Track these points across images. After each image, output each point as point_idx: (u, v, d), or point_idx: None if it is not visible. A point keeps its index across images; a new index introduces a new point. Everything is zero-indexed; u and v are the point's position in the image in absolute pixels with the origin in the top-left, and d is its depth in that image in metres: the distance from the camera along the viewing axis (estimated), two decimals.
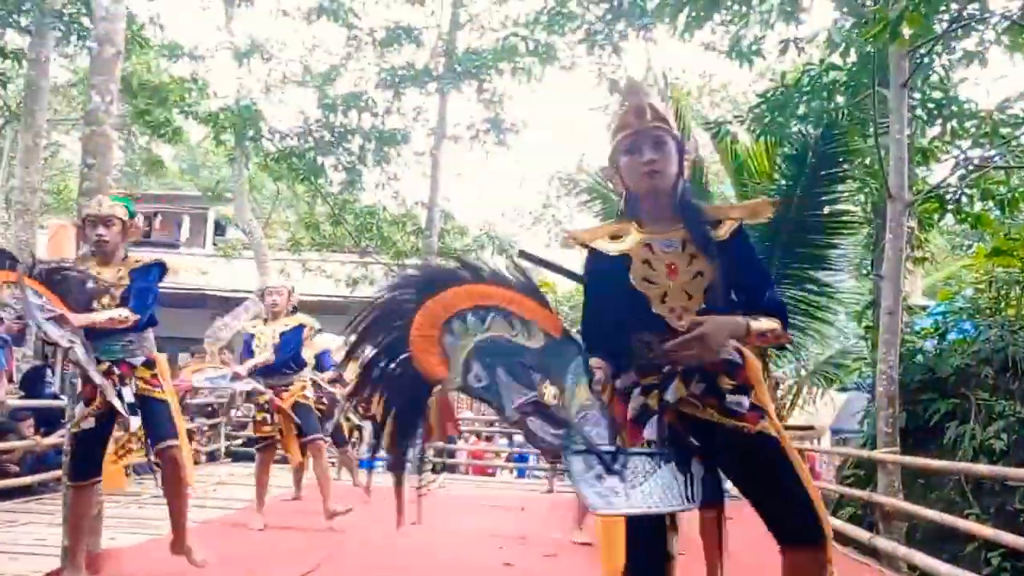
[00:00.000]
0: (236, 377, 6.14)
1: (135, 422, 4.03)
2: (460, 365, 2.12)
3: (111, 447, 4.23)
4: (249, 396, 7.11)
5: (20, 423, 7.29)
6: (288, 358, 6.24)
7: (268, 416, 6.26)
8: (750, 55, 7.46)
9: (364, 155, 12.83)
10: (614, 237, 2.41)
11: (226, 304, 12.17)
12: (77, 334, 3.81)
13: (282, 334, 6.23)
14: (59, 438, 6.29)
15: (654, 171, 2.31)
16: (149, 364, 4.13)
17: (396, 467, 2.24)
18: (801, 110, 7.98)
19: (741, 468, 2.31)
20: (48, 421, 7.32)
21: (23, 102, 9.49)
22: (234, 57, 12.61)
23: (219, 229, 20.45)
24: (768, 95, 8.07)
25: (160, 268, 4.24)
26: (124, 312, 3.93)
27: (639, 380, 2.32)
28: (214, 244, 19.74)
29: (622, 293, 2.32)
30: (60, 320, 3.73)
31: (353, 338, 2.20)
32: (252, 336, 6.33)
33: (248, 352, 6.23)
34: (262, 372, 6.24)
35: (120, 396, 3.95)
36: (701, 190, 8.36)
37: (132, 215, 4.25)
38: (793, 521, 2.22)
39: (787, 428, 8.69)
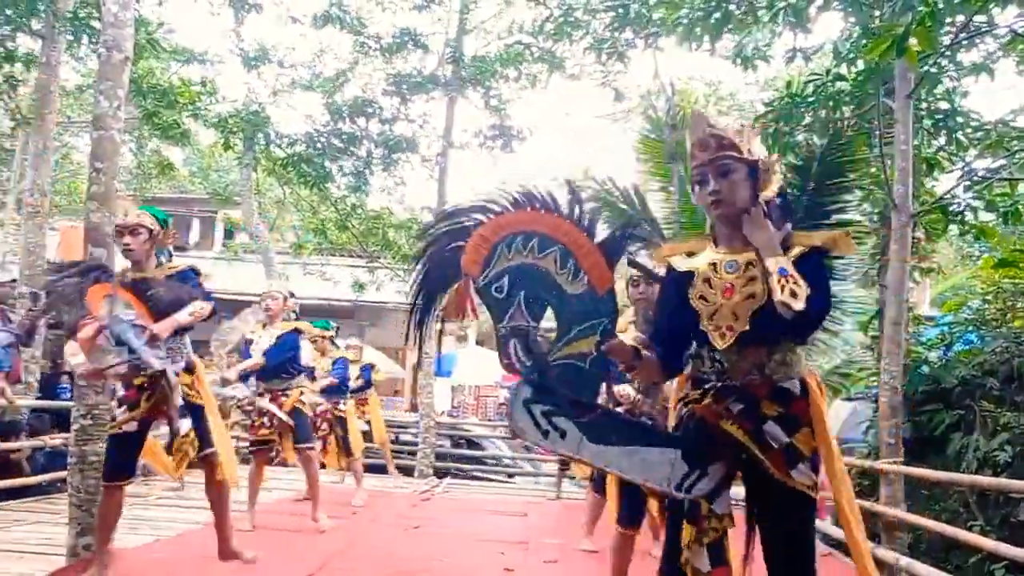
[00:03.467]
0: (224, 382, 6.17)
1: (185, 424, 4.16)
2: (493, 272, 2.36)
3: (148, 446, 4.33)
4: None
5: (37, 426, 7.37)
6: (283, 362, 6.27)
7: (266, 419, 6.29)
8: (754, 59, 7.46)
9: (371, 161, 12.88)
10: (691, 253, 2.55)
11: (233, 307, 12.19)
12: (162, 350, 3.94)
13: (277, 338, 6.27)
14: (65, 439, 6.33)
15: (717, 201, 2.41)
16: (189, 369, 4.22)
17: (418, 324, 2.45)
18: (806, 119, 7.97)
19: (758, 503, 2.41)
20: (65, 423, 7.38)
21: (34, 105, 9.55)
22: (243, 62, 12.67)
23: (227, 232, 20.55)
24: (774, 104, 8.08)
25: (195, 272, 4.32)
26: (200, 304, 4.04)
27: (689, 393, 2.47)
28: (223, 247, 19.83)
29: (680, 308, 2.46)
30: (149, 336, 3.84)
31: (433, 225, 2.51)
32: (251, 342, 6.36)
33: (247, 357, 6.27)
34: (261, 376, 6.28)
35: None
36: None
37: (163, 223, 4.31)
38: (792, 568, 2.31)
39: None
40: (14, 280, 8.60)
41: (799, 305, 2.20)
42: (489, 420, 17.18)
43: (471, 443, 13.51)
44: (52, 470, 7.19)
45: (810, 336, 2.54)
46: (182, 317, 3.97)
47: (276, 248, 15.46)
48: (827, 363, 9.94)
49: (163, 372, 3.97)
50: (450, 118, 12.10)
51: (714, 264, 2.44)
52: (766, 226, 2.36)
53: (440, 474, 11.53)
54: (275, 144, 12.71)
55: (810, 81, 7.90)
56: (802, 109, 7.95)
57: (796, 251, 2.38)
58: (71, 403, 5.31)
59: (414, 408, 12.80)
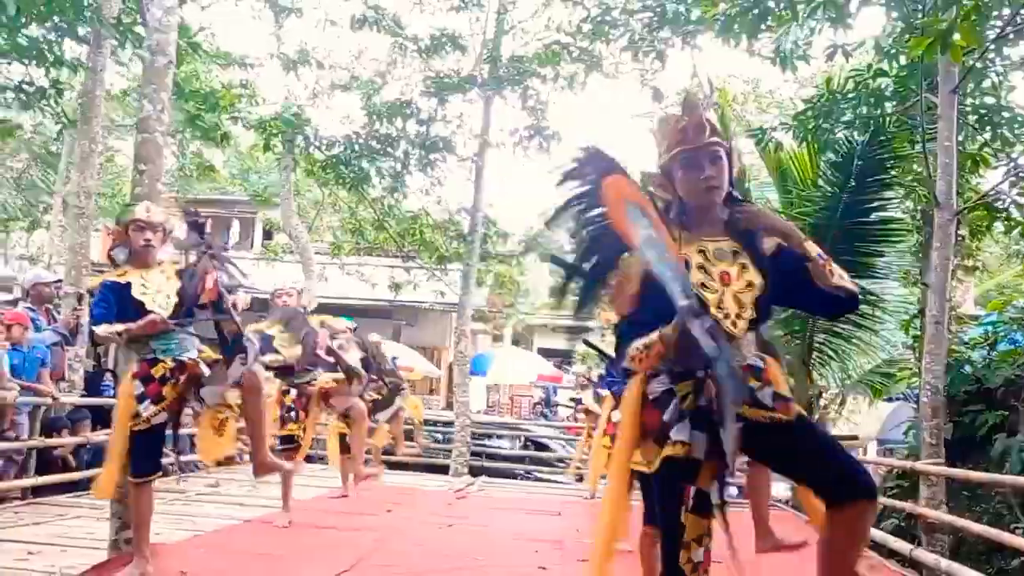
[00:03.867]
0: None
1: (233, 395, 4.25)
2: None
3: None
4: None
5: (80, 422, 7.51)
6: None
7: (294, 414, 6.36)
8: (794, 60, 7.38)
9: (408, 161, 12.95)
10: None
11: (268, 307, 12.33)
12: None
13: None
14: (107, 435, 6.45)
15: (712, 187, 2.42)
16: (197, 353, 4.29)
17: (582, 306, 2.36)
18: (847, 116, 7.89)
19: (785, 450, 2.41)
20: (106, 420, 7.51)
21: (79, 109, 9.73)
22: (282, 65, 12.81)
23: (267, 233, 20.78)
24: (814, 101, 8.01)
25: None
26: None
27: (673, 386, 2.37)
28: (263, 247, 20.06)
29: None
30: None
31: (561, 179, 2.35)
32: (271, 338, 6.41)
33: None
34: (281, 374, 6.34)
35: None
36: (744, 197, 8.30)
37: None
38: (849, 475, 2.29)
39: None
40: (59, 280, 8.75)
41: (852, 285, 2.30)
42: (523, 419, 17.15)
43: (539, 445, 13.57)
44: (95, 466, 7.32)
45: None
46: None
47: (315, 248, 15.60)
48: (868, 363, 9.81)
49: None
50: (487, 118, 12.13)
51: (703, 251, 2.41)
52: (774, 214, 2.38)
53: (475, 472, 11.57)
54: (314, 146, 12.83)
55: (851, 77, 7.82)
56: (843, 106, 7.87)
57: (773, 242, 2.47)
58: (112, 400, 5.41)
59: (450, 406, 12.84)
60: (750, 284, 2.38)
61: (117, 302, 4.02)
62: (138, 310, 4.00)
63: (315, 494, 7.97)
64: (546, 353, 24.03)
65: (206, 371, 4.19)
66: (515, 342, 24.88)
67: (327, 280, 15.73)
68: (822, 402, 10.02)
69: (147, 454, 4.17)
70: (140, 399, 4.08)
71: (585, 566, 4.46)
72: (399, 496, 8.21)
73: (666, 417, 2.34)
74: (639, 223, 2.18)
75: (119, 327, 3.91)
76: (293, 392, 6.37)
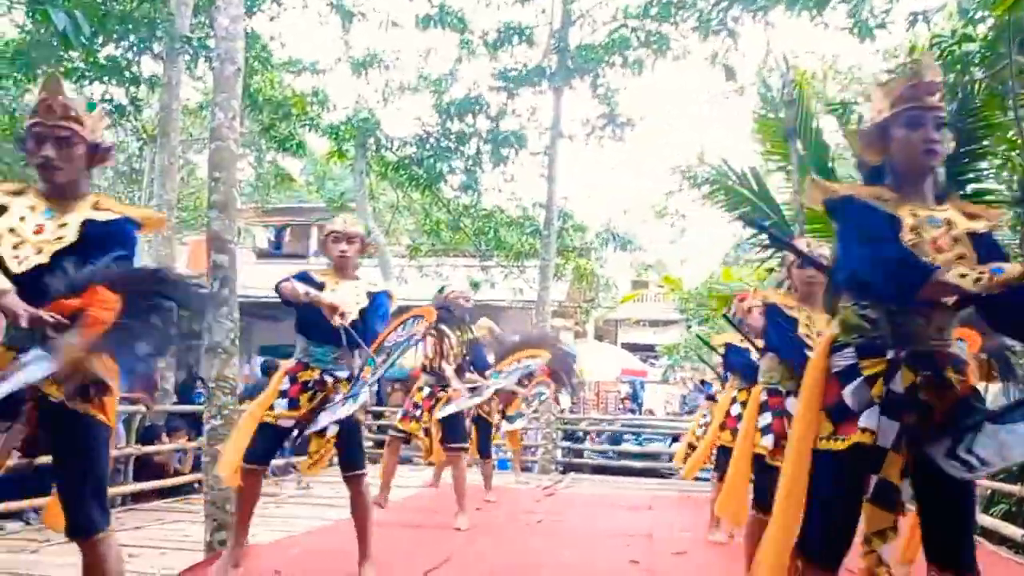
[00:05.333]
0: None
1: (332, 429, 4.12)
2: None
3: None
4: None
5: (176, 430, 7.71)
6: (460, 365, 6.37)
7: (419, 412, 6.35)
8: (872, 28, 7.11)
9: (480, 158, 12.95)
10: (876, 198, 2.34)
11: None
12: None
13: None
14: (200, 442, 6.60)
15: (934, 151, 2.32)
16: (351, 380, 4.20)
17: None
18: None
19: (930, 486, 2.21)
20: (200, 428, 7.70)
21: (158, 125, 10.00)
22: (352, 69, 12.94)
23: None
24: (896, 72, 7.70)
25: (387, 295, 4.35)
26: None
27: (859, 365, 2.25)
28: None
29: None
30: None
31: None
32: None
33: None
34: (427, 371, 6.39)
35: (323, 406, 4.12)
36: (827, 173, 8.04)
37: (367, 234, 4.49)
38: (961, 549, 2.18)
39: None
40: None
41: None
42: (609, 415, 17.00)
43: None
44: (196, 471, 7.51)
45: None
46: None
47: (392, 251, 15.74)
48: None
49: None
50: (557, 109, 12.03)
51: (915, 214, 2.30)
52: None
53: (564, 469, 11.50)
54: (386, 148, 12.93)
55: (934, 44, 7.49)
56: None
57: (985, 223, 2.35)
58: (203, 407, 5.53)
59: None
60: (962, 257, 2.22)
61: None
62: (318, 311, 4.00)
63: (405, 495, 8.00)
64: (630, 347, 23.84)
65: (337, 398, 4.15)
66: (598, 337, 24.70)
67: (406, 282, 15.88)
68: None
69: (263, 445, 4.18)
70: (281, 394, 4.15)
71: (681, 559, 4.36)
72: (487, 494, 8.19)
73: (848, 397, 2.22)
74: None
75: (309, 289, 3.96)
76: (426, 390, 6.38)
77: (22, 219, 2.70)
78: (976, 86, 7.58)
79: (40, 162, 2.72)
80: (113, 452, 6.88)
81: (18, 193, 2.78)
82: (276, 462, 8.28)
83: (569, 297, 19.04)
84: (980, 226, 2.32)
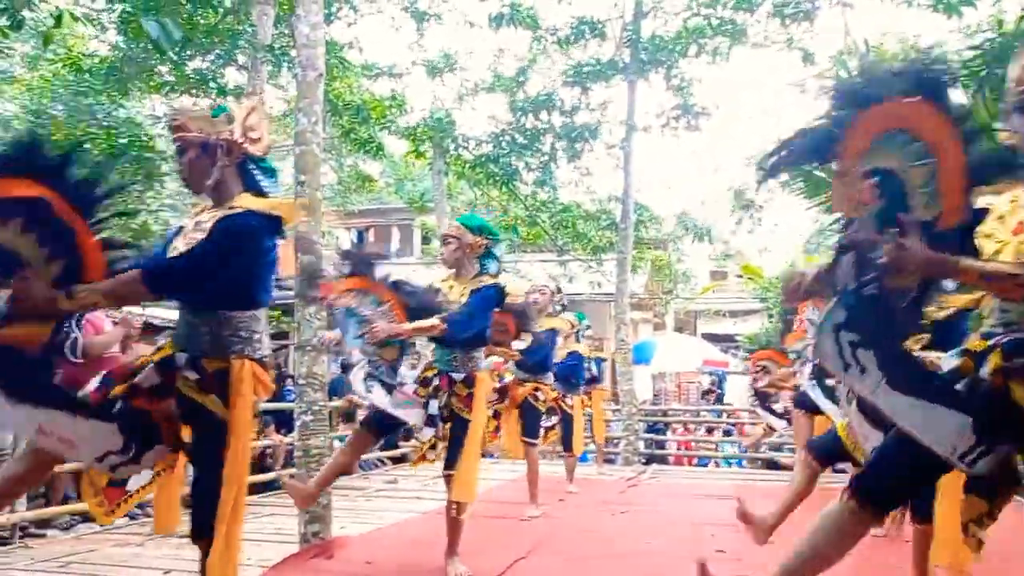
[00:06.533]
0: None
1: (427, 433, 4.26)
2: (862, 168, 2.10)
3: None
4: None
5: (267, 427, 8.01)
6: (540, 360, 6.37)
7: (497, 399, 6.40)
8: (959, 5, 6.89)
9: (555, 154, 12.99)
10: (998, 192, 2.27)
11: (432, 311, 12.65)
12: (368, 352, 4.17)
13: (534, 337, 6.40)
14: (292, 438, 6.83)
15: None
16: (468, 382, 4.30)
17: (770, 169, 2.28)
18: None
19: None
20: (290, 424, 7.96)
21: None
22: (427, 71, 13.13)
23: (425, 238, 21.37)
24: (984, 46, 7.46)
25: (496, 290, 4.34)
26: (433, 321, 4.07)
27: (969, 345, 2.19)
28: (422, 252, 20.66)
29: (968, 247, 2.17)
30: (370, 331, 4.02)
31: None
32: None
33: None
34: (520, 368, 6.42)
35: (426, 407, 4.26)
36: None
37: (476, 231, 4.42)
38: None
39: None
40: None
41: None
42: (691, 405, 16.86)
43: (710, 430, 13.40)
44: (288, 467, 7.76)
45: None
46: (406, 327, 4.08)
47: None
48: None
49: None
50: (631, 102, 11.99)
51: (1015, 199, 2.17)
52: None
53: (647, 461, 11.48)
54: (462, 147, 13.07)
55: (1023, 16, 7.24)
56: (1016, 48, 7.29)
57: None
58: (293, 404, 5.72)
59: (615, 397, 12.79)
60: None
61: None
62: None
63: (484, 487, 8.11)
64: (711, 338, 23.55)
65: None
66: (678, 328, 24.48)
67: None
68: None
69: (386, 422, 4.38)
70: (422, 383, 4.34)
71: (768, 548, 4.35)
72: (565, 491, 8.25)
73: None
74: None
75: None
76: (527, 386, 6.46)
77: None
78: None
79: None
80: None
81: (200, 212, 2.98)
82: (365, 456, 8.48)
83: (647, 289, 18.94)
84: None
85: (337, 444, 8.15)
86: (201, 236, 2.77)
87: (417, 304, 4.23)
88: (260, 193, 2.96)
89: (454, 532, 4.33)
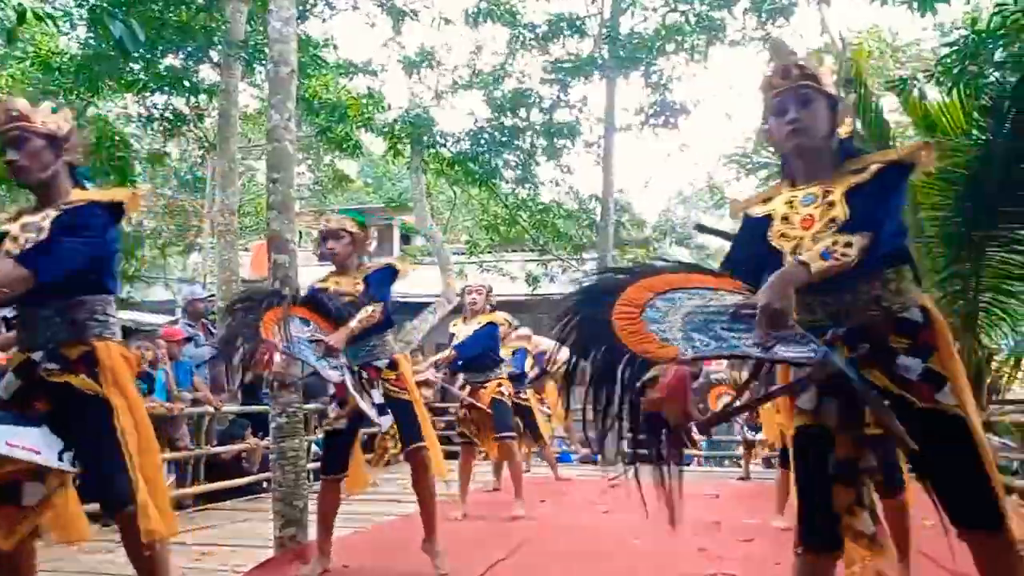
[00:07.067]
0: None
1: (386, 421, 4.22)
2: (683, 339, 2.07)
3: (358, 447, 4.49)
4: (445, 394, 7.28)
5: (243, 430, 7.88)
6: (478, 354, 6.41)
7: (467, 412, 6.45)
8: (933, 2, 6.90)
9: (535, 151, 12.91)
10: (766, 200, 2.41)
11: (412, 309, 12.58)
12: (340, 359, 4.07)
13: (475, 331, 6.40)
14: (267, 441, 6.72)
15: (796, 129, 2.30)
16: (392, 366, 4.32)
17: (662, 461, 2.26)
18: (997, 56, 7.32)
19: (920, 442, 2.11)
20: (265, 428, 7.84)
21: (217, 131, 10.18)
22: (404, 68, 13.01)
23: (404, 238, 21.25)
24: (958, 43, 7.47)
25: (391, 269, 4.44)
26: (369, 309, 4.10)
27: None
28: (401, 252, 20.52)
29: (761, 252, 2.28)
30: (325, 348, 3.98)
31: (565, 353, 2.32)
32: (452, 335, 6.54)
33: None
34: (459, 369, 6.48)
35: (370, 399, 4.19)
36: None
37: (363, 226, 4.51)
38: (964, 505, 2.11)
39: (1005, 403, 8.02)
40: (213, 295, 9.19)
41: (853, 252, 2.03)
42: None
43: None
44: (263, 471, 7.65)
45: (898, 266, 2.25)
46: (353, 325, 4.05)
47: (451, 249, 15.79)
48: None
49: (342, 382, 4.10)
50: (610, 100, 11.94)
51: (790, 202, 2.31)
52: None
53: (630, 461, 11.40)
54: (440, 144, 12.94)
55: (997, 13, 7.26)
56: (990, 45, 7.31)
57: (872, 170, 2.22)
58: (267, 406, 5.63)
59: None
60: (832, 221, 2.20)
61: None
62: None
63: (470, 488, 8.03)
64: None
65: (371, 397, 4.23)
66: None
67: (466, 278, 15.91)
68: (993, 365, 9.34)
69: (334, 454, 4.35)
70: (331, 399, 4.31)
71: (749, 546, 4.30)
72: (552, 487, 8.19)
73: (792, 380, 2.24)
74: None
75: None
76: (480, 389, 6.48)
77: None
78: None
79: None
80: (182, 454, 7.08)
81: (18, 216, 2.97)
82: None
83: None
84: (858, 179, 2.24)
85: (315, 449, 8.09)
86: (36, 236, 2.80)
87: (335, 308, 4.18)
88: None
89: (432, 513, 4.36)
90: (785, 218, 2.30)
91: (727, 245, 3.43)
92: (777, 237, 2.27)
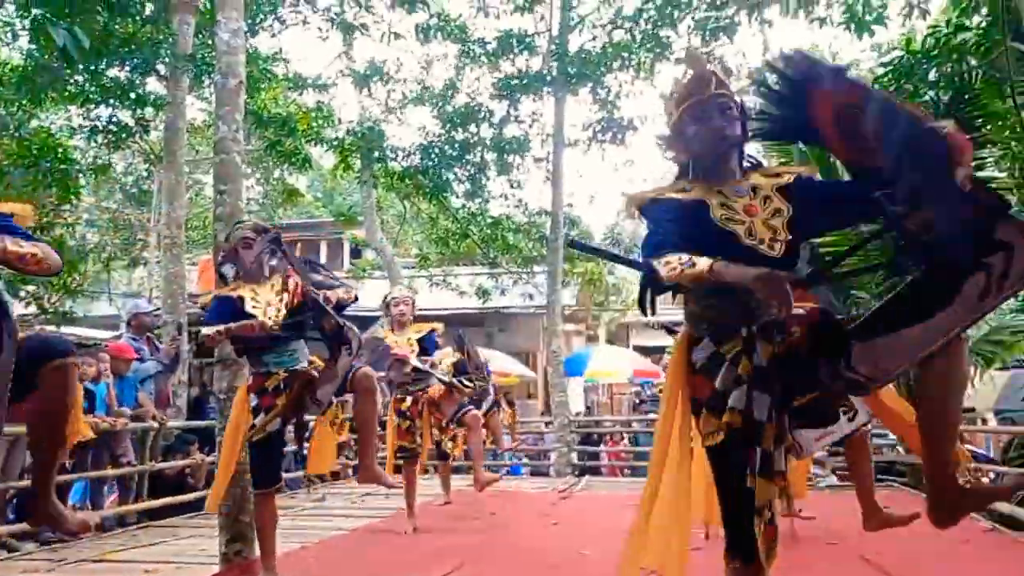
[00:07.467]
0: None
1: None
2: None
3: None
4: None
5: (189, 445, 7.76)
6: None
7: (412, 423, 6.41)
8: (869, 24, 7.11)
9: (485, 166, 12.97)
10: (680, 192, 2.50)
11: (364, 323, 12.50)
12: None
13: (419, 340, 6.41)
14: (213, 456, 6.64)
15: (724, 136, 2.45)
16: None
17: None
18: (931, 75, 7.57)
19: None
20: (212, 443, 7.74)
21: (164, 145, 10.07)
22: (354, 83, 13.00)
23: (355, 253, 21.14)
24: (893, 63, 7.72)
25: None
26: (339, 292, 4.35)
27: (719, 349, 2.31)
28: (352, 266, 20.40)
29: (708, 231, 2.34)
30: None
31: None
32: (389, 347, 6.50)
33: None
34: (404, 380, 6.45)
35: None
36: (828, 169, 8.06)
37: (263, 232, 4.46)
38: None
39: None
40: (158, 309, 9.07)
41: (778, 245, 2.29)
42: (623, 417, 16.98)
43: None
44: (207, 487, 7.54)
45: None
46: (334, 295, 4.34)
47: (401, 262, 15.77)
48: (975, 332, 9.34)
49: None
50: (559, 116, 12.06)
51: (720, 191, 2.42)
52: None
53: (580, 472, 11.48)
54: (390, 158, 12.94)
55: (930, 35, 7.51)
56: (924, 65, 7.55)
57: (787, 177, 2.47)
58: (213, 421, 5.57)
59: (548, 408, 12.79)
60: (778, 210, 2.37)
61: (230, 314, 4.10)
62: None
63: (417, 502, 8.00)
64: (643, 350, 23.76)
65: (317, 375, 4.27)
66: (610, 341, 24.64)
67: (416, 292, 15.92)
68: None
69: (266, 465, 4.30)
70: (255, 411, 4.20)
71: (697, 555, 4.37)
72: (502, 499, 8.19)
73: (719, 385, 2.27)
74: None
75: (220, 327, 3.98)
76: (408, 400, 6.43)
77: None
78: (973, 75, 7.58)
79: None
80: (125, 470, 6.97)
81: None
82: (289, 475, 8.30)
83: (579, 302, 19.03)
84: (785, 179, 2.45)
85: None
86: None
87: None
88: None
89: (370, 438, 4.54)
90: (724, 205, 2.39)
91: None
92: (725, 221, 2.36)
